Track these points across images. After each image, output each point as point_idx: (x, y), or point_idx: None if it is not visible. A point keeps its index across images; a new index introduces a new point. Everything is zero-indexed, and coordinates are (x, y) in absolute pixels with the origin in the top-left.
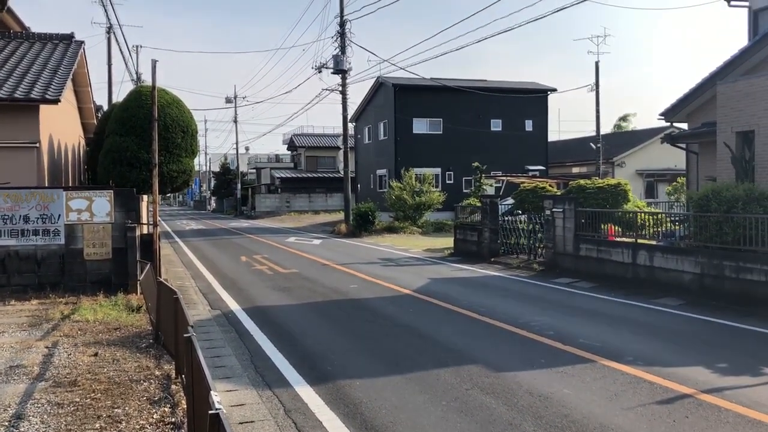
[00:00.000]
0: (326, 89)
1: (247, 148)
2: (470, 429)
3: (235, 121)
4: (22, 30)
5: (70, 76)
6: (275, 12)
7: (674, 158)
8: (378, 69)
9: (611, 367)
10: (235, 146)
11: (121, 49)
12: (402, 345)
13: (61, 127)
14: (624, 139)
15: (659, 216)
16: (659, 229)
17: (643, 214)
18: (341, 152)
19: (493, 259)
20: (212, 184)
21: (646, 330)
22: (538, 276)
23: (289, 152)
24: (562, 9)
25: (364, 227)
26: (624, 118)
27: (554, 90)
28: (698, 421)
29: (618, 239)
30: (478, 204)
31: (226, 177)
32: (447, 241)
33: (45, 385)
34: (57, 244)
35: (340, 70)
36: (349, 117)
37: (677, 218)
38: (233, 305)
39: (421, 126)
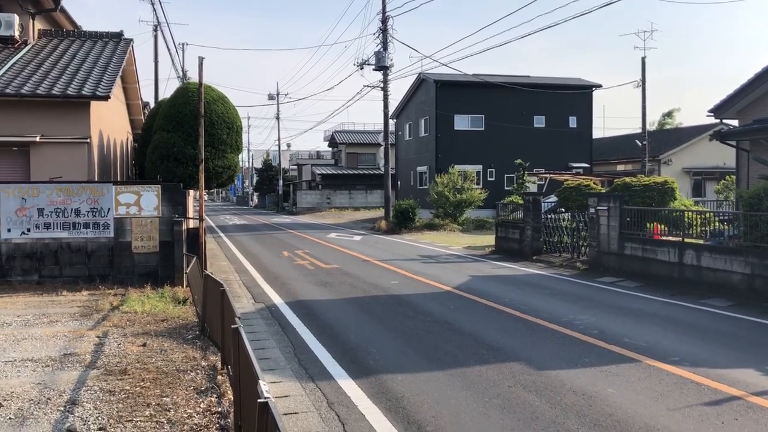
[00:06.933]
0: (367, 86)
1: (288, 145)
2: (512, 426)
3: (278, 118)
4: (74, 29)
5: (120, 73)
6: (316, 10)
7: (723, 156)
8: (419, 65)
9: (657, 367)
10: (277, 143)
11: (168, 47)
12: (443, 341)
13: (110, 123)
14: (671, 137)
15: (707, 215)
16: (707, 228)
17: (690, 213)
18: (382, 149)
19: (535, 258)
20: (254, 180)
21: (692, 330)
22: (581, 275)
23: (330, 149)
24: (607, 5)
25: (404, 224)
26: (669, 114)
27: (599, 86)
28: (749, 423)
29: (664, 238)
30: (521, 201)
31: (268, 173)
32: (488, 239)
33: (97, 373)
34: (106, 237)
35: (382, 67)
36: (390, 113)
37: (726, 217)
38: (276, 299)
39: (462, 122)
